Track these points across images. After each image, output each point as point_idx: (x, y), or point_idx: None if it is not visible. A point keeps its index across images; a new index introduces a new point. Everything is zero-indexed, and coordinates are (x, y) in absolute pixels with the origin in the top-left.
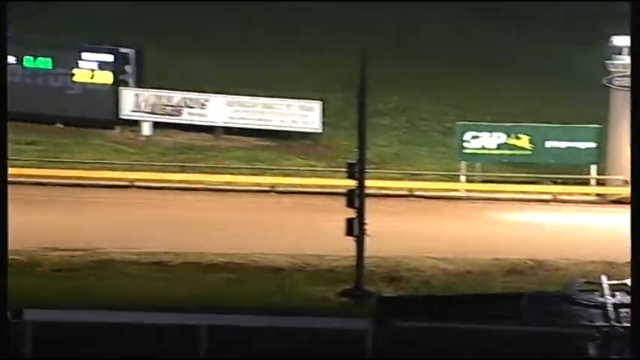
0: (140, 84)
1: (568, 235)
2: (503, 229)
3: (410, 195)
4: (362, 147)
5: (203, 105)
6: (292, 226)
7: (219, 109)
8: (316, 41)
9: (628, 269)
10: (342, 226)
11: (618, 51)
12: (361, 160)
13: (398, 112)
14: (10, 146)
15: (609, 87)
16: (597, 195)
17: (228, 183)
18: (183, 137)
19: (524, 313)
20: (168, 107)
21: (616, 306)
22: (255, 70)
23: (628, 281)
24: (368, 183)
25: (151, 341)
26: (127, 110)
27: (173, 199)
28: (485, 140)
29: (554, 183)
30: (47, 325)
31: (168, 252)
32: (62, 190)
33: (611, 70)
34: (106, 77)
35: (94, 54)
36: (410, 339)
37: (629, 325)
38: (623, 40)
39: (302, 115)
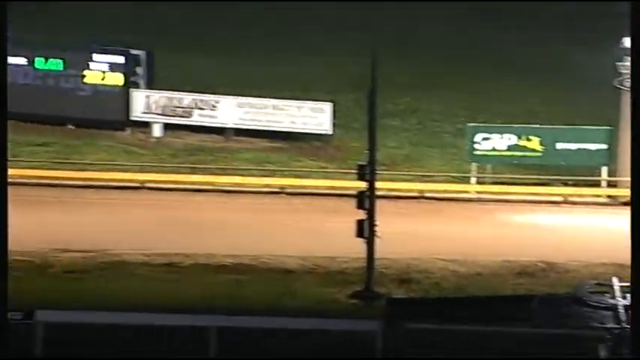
0: (151, 85)
1: (579, 237)
2: (514, 230)
3: (420, 197)
4: (372, 148)
5: (213, 106)
6: (302, 227)
7: (230, 111)
8: (326, 42)
9: None
10: (352, 227)
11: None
12: (372, 161)
13: (408, 114)
14: (21, 148)
15: (620, 89)
16: (608, 197)
17: (239, 184)
18: (194, 139)
19: (534, 315)
20: (178, 109)
21: (627, 308)
22: (262, 72)
23: None
24: (378, 184)
25: (160, 343)
26: (137, 112)
27: (183, 200)
28: (495, 142)
29: (565, 185)
30: (59, 326)
31: (179, 253)
32: (73, 191)
33: (622, 71)
34: (117, 79)
35: (105, 55)
36: (420, 341)
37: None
38: None
39: (312, 116)
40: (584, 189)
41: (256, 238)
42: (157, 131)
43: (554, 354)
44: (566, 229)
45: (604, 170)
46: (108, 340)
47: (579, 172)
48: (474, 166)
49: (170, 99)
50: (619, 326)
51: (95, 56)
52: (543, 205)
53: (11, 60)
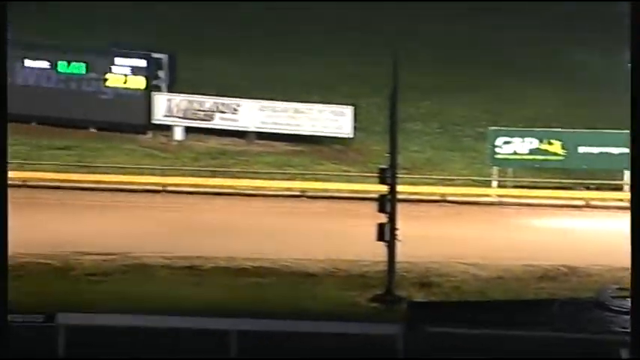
0: (172, 89)
1: (601, 241)
2: (535, 234)
3: (441, 200)
4: (394, 152)
5: (235, 110)
6: (323, 231)
7: (251, 114)
8: (347, 46)
9: None
10: (373, 231)
11: None
12: (393, 165)
13: (430, 117)
14: (43, 151)
15: None
16: None
17: (260, 188)
18: (215, 142)
19: (556, 320)
20: (200, 112)
21: None
22: (284, 74)
23: None
24: (399, 188)
25: (181, 345)
26: (159, 115)
27: (204, 203)
28: (517, 145)
29: (587, 188)
30: (80, 328)
31: (200, 256)
32: (95, 194)
33: None
34: (139, 82)
35: (127, 59)
36: (441, 344)
37: None
38: None
39: (333, 120)
40: (606, 193)
41: (277, 242)
42: (178, 134)
43: (576, 358)
44: (588, 233)
45: (626, 174)
46: (128, 342)
47: (601, 176)
48: (495, 169)
49: (191, 102)
50: None
51: (117, 60)
52: (565, 208)
53: (34, 64)
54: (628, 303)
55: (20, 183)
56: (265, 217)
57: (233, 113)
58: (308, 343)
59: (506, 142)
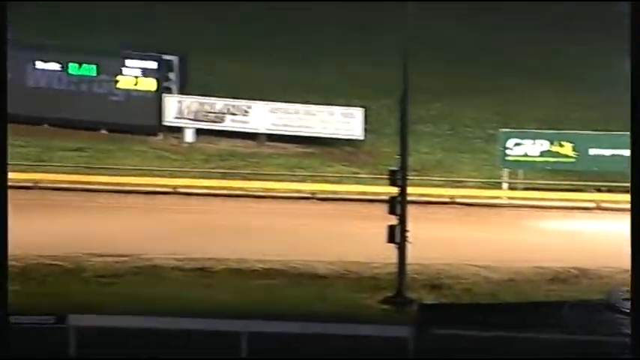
0: (183, 91)
1: (612, 243)
2: (546, 236)
3: (452, 202)
4: (404, 154)
5: (245, 112)
6: (334, 232)
7: (262, 116)
8: (357, 48)
9: None
10: (383, 233)
11: None
12: (403, 167)
13: (440, 119)
14: (55, 153)
15: None
16: None
17: (270, 190)
18: (226, 144)
19: (567, 322)
20: (210, 114)
21: None
22: (295, 77)
23: None
24: (410, 190)
25: (192, 347)
26: (170, 117)
27: (215, 205)
28: (528, 147)
29: (599, 191)
30: (91, 330)
31: (211, 258)
32: (106, 196)
33: None
34: (150, 84)
35: (138, 61)
36: (452, 347)
37: None
38: None
39: (344, 122)
40: (618, 195)
41: (287, 244)
42: (189, 136)
43: None
44: (599, 235)
45: None
46: (139, 344)
47: (612, 178)
48: (505, 171)
49: (202, 104)
50: None
51: (128, 62)
52: (576, 211)
53: (45, 65)
54: None
55: (32, 184)
56: (276, 219)
57: (244, 115)
58: (318, 344)
59: (517, 144)
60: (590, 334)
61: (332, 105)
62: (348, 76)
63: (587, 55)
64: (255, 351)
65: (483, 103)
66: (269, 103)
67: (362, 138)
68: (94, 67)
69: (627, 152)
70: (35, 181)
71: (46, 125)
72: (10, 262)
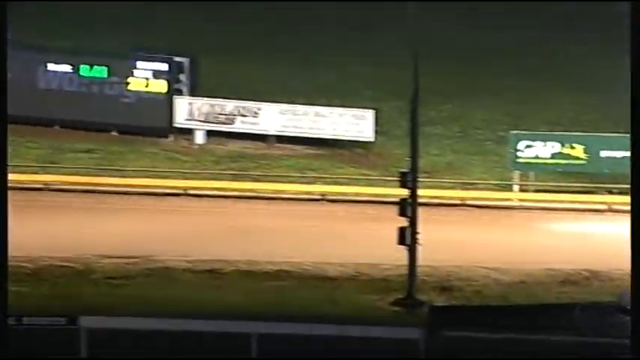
0: (194, 93)
1: (623, 246)
2: (557, 238)
3: (462, 204)
4: (414, 156)
5: (256, 114)
6: (344, 234)
7: (272, 118)
8: (367, 49)
9: None
10: (393, 235)
11: None
12: (414, 169)
13: (451, 121)
14: (66, 154)
15: None
16: None
17: (280, 191)
18: (236, 146)
19: (578, 324)
20: (221, 116)
21: None
22: (306, 77)
23: None
24: (420, 192)
25: (202, 349)
26: (180, 119)
27: (226, 207)
28: (539, 149)
29: (610, 193)
30: (102, 331)
31: (221, 260)
32: (116, 197)
33: None
34: (161, 86)
35: (149, 63)
36: (462, 349)
37: None
38: None
39: (354, 123)
40: (629, 197)
41: (297, 245)
42: (199, 138)
43: None
44: (610, 238)
45: None
46: (150, 346)
47: (624, 180)
48: (516, 173)
49: (213, 106)
50: None
51: (139, 64)
52: (587, 213)
53: (56, 67)
54: None
55: (42, 186)
56: (286, 221)
57: (254, 117)
58: (328, 346)
59: (527, 146)
60: (602, 336)
61: (343, 106)
62: (359, 77)
63: (594, 57)
64: (265, 352)
65: (494, 105)
66: (279, 104)
67: (372, 140)
68: (105, 69)
69: None
70: (46, 183)
71: (57, 127)
72: (21, 264)
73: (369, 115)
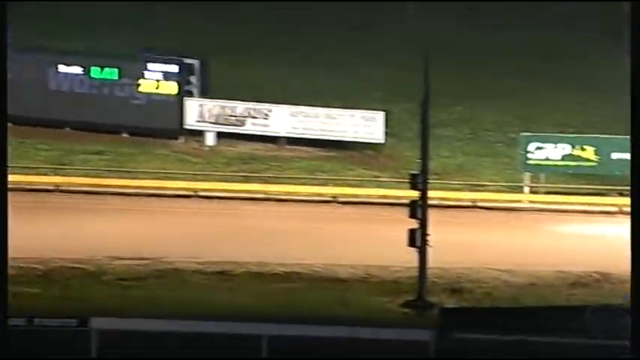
0: (205, 94)
1: None
2: (568, 240)
3: (473, 206)
4: (425, 158)
5: (266, 115)
6: (354, 236)
7: (283, 120)
8: (379, 51)
9: None
10: (404, 236)
11: None
12: (424, 170)
13: (461, 123)
14: (76, 156)
15: None
16: None
17: (291, 193)
18: (247, 147)
19: (588, 326)
20: (232, 117)
21: None
22: (315, 79)
23: None
24: (431, 194)
25: (213, 350)
26: (191, 120)
27: (236, 208)
28: (549, 151)
29: (621, 195)
30: (113, 333)
31: (231, 261)
32: (127, 199)
33: None
34: (171, 88)
35: (160, 65)
36: (472, 351)
37: None
38: None
39: (365, 125)
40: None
41: (308, 247)
42: (210, 140)
43: None
44: (620, 240)
45: None
46: (160, 347)
47: None
48: (526, 175)
49: (223, 108)
50: None
51: (150, 65)
52: (598, 215)
53: (67, 69)
54: None
55: (53, 188)
56: (297, 222)
57: (264, 118)
58: (339, 348)
59: (538, 148)
60: (611, 338)
61: (353, 108)
62: (370, 79)
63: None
64: (275, 354)
65: (504, 107)
66: (290, 106)
67: (383, 142)
68: (116, 70)
69: None
70: (56, 184)
71: (67, 128)
72: (32, 265)
73: (380, 117)
